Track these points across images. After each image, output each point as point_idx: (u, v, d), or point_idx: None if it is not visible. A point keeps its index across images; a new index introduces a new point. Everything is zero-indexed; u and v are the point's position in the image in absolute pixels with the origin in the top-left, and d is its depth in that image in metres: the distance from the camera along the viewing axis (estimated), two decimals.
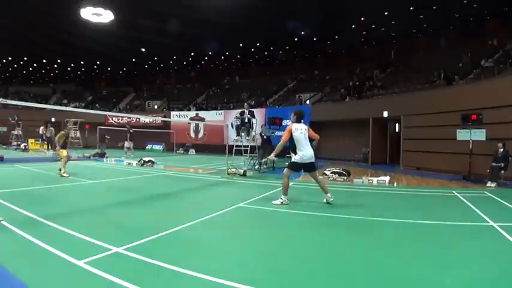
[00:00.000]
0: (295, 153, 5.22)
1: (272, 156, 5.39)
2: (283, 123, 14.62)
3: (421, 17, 17.07)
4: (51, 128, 16.98)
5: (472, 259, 3.08)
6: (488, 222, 4.39)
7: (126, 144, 16.00)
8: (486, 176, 8.64)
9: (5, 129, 20.90)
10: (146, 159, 12.25)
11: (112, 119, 24.22)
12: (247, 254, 3.13)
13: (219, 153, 17.88)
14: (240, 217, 4.69)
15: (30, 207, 4.46)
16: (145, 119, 21.58)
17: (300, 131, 5.24)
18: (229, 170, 9.57)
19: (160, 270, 2.57)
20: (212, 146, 20.98)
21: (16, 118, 20.48)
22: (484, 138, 9.36)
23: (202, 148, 21.71)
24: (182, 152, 21.42)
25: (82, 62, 26.93)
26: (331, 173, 9.15)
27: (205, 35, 19.91)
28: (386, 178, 8.53)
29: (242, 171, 9.53)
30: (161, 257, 2.78)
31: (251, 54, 24.85)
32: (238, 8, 15.61)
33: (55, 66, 27.49)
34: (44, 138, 18.40)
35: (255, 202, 5.64)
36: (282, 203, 5.17)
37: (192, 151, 21.27)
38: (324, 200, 5.38)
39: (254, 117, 11.95)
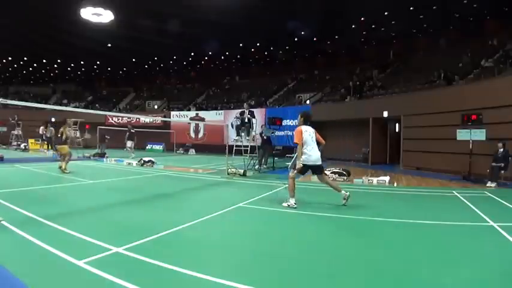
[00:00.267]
0: (302, 155, 5.15)
1: (300, 164, 5.12)
2: (283, 123, 14.66)
3: (421, 17, 17.08)
4: (51, 128, 16.97)
5: (472, 259, 3.08)
6: (488, 222, 4.39)
7: (128, 144, 16.00)
8: (486, 176, 8.64)
9: (5, 129, 20.90)
10: (146, 159, 12.25)
11: (112, 119, 24.22)
12: (247, 254, 3.12)
13: (219, 153, 17.89)
14: (240, 217, 4.69)
15: (30, 207, 4.46)
16: (145, 119, 21.58)
17: (307, 132, 5.21)
18: (229, 170, 9.57)
19: (160, 270, 2.57)
20: (212, 146, 20.98)
21: (16, 118, 20.49)
22: (484, 138, 9.36)
23: (202, 148, 21.71)
24: (182, 152, 21.43)
25: (82, 62, 26.93)
26: (331, 173, 9.14)
27: (205, 35, 19.91)
28: (386, 178, 8.53)
29: (242, 171, 9.53)
30: (161, 257, 2.78)
31: (251, 54, 24.86)
32: (238, 8, 15.61)
33: (55, 66, 27.49)
34: (44, 138, 18.39)
35: (255, 202, 5.63)
36: (289, 205, 5.04)
37: (192, 151, 21.27)
38: (343, 201, 5.24)
39: (254, 117, 11.96)
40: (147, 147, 23.28)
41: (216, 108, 23.73)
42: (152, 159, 12.39)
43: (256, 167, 11.00)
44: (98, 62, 27.05)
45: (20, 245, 3.09)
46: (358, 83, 19.25)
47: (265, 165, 11.58)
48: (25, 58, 24.94)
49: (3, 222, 3.64)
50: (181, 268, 2.58)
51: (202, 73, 29.80)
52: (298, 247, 3.37)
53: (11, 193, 5.72)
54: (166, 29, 18.26)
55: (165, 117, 23.44)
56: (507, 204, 5.80)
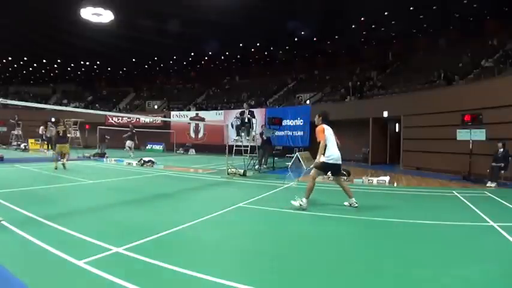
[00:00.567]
0: (323, 154, 4.99)
1: (319, 159, 4.96)
2: (283, 123, 14.65)
3: (421, 17, 17.08)
4: (51, 128, 16.97)
5: (472, 259, 3.08)
6: (488, 222, 4.39)
7: (128, 143, 15.99)
8: (486, 176, 8.64)
9: (5, 129, 20.89)
10: (146, 159, 12.25)
11: (112, 119, 24.21)
12: (247, 254, 3.12)
13: (219, 153, 17.88)
14: (240, 217, 4.69)
15: (30, 207, 4.46)
16: (145, 119, 21.57)
17: (329, 131, 5.11)
18: (229, 170, 9.57)
19: (160, 270, 2.57)
20: (212, 146, 20.97)
21: (16, 118, 20.49)
22: (484, 138, 9.35)
23: (202, 148, 21.71)
24: (182, 152, 21.42)
25: (82, 62, 26.93)
26: (331, 173, 9.13)
27: (205, 35, 19.91)
28: (386, 178, 8.53)
29: (242, 171, 9.53)
30: (161, 257, 2.78)
31: (251, 54, 24.86)
32: (238, 8, 15.62)
33: (55, 66, 27.50)
34: (44, 138, 18.40)
35: (255, 202, 5.63)
36: (300, 205, 4.84)
37: (192, 151, 21.27)
38: (346, 203, 5.25)
39: (254, 117, 11.96)
40: (147, 147, 23.28)
41: (216, 108, 23.73)
42: (152, 159, 12.39)
43: (256, 167, 11.00)
44: (98, 62, 27.05)
45: (20, 245, 3.09)
46: (358, 83, 19.25)
47: (265, 165, 11.58)
48: (25, 58, 24.94)
49: (3, 222, 3.64)
50: (181, 268, 2.58)
51: (202, 73, 29.80)
52: (298, 247, 3.37)
53: (11, 193, 5.72)
54: (166, 29, 18.25)
55: (165, 117, 23.43)
56: (507, 204, 5.80)
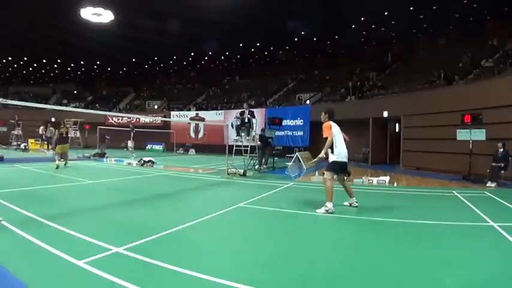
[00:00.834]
0: (332, 152, 4.88)
1: (322, 154, 4.86)
2: (283, 123, 14.65)
3: (421, 17, 17.08)
4: (51, 128, 16.98)
5: (472, 259, 3.08)
6: (488, 222, 4.39)
7: (129, 143, 15.99)
8: (486, 176, 8.64)
9: (5, 129, 20.90)
10: (146, 159, 12.25)
11: (112, 119, 24.22)
12: (248, 254, 3.12)
13: (219, 153, 17.88)
14: (240, 217, 4.69)
15: (30, 207, 4.46)
16: (145, 119, 21.58)
17: (336, 128, 5.00)
18: (229, 170, 9.57)
19: (160, 270, 2.57)
20: (212, 146, 20.98)
21: (16, 118, 20.49)
22: (484, 138, 9.35)
23: (202, 148, 21.71)
24: (182, 152, 21.42)
25: (82, 62, 26.93)
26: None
27: (205, 35, 19.91)
28: (386, 178, 8.53)
29: (242, 171, 9.53)
30: (161, 257, 2.79)
31: (251, 54, 24.86)
32: (238, 8, 15.62)
33: (55, 66, 27.50)
34: (44, 138, 18.40)
35: (255, 202, 5.63)
36: (326, 211, 4.61)
37: (192, 151, 21.27)
38: (346, 203, 5.23)
39: (254, 117, 11.96)
40: (147, 147, 23.28)
41: (216, 108, 23.73)
42: (152, 159, 12.39)
43: (256, 167, 11.00)
44: (98, 62, 27.06)
45: (20, 245, 3.09)
46: (358, 83, 19.26)
47: (266, 165, 11.59)
48: (25, 58, 24.95)
49: (3, 222, 3.64)
50: (181, 268, 2.58)
51: (202, 73, 29.80)
52: (298, 247, 3.37)
53: (11, 193, 5.72)
54: (166, 29, 18.26)
55: (165, 117, 23.44)
56: (507, 204, 5.80)
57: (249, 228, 4.20)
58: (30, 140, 19.71)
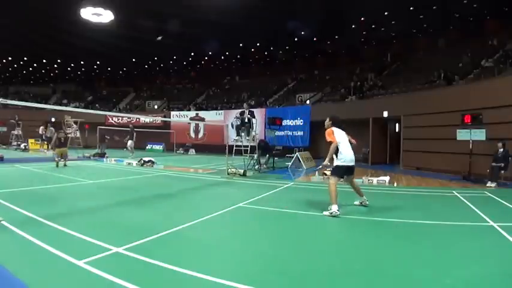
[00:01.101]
0: (336, 157, 4.92)
1: (327, 162, 4.90)
2: (283, 123, 14.65)
3: (421, 17, 17.07)
4: (51, 128, 16.99)
5: (472, 259, 3.08)
6: (488, 222, 4.39)
7: (129, 143, 15.98)
8: (486, 176, 8.63)
9: (5, 129, 20.90)
10: (146, 159, 12.25)
11: (112, 119, 24.22)
12: (247, 254, 3.13)
13: (219, 153, 17.88)
14: (240, 217, 4.69)
15: (30, 207, 4.46)
16: (145, 119, 21.57)
17: (339, 132, 5.06)
18: (229, 170, 9.57)
19: (160, 270, 2.57)
20: (212, 146, 20.97)
21: (16, 118, 20.49)
22: (484, 138, 9.35)
23: (202, 148, 21.71)
24: (182, 152, 21.42)
25: (82, 62, 26.92)
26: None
27: (205, 35, 19.90)
28: (386, 178, 8.53)
29: (242, 171, 9.53)
30: (161, 257, 2.79)
31: (251, 54, 24.85)
32: (238, 8, 15.60)
33: (55, 66, 27.49)
34: (44, 138, 18.41)
35: (255, 202, 5.63)
36: (330, 214, 4.59)
37: (192, 151, 21.26)
38: (356, 202, 5.34)
39: (254, 117, 11.96)
40: (147, 147, 23.28)
41: (216, 108, 23.73)
42: (152, 159, 12.39)
43: (256, 167, 11.00)
44: (98, 62, 27.04)
45: (20, 245, 3.09)
46: (358, 83, 19.26)
47: (266, 165, 11.59)
48: (25, 58, 24.93)
49: (3, 222, 3.64)
50: (181, 268, 2.58)
51: (202, 73, 29.80)
52: (298, 247, 3.37)
53: (11, 193, 5.72)
54: (166, 29, 18.24)
55: (165, 117, 23.43)
56: (507, 204, 5.80)
57: (249, 228, 4.20)
58: (30, 140, 19.70)
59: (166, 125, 23.34)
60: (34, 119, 21.63)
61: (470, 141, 9.69)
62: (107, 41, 20.81)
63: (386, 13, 16.47)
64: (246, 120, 11.76)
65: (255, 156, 11.14)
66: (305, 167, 12.37)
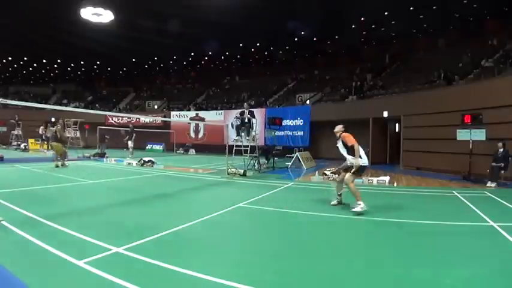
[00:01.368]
0: (360, 157, 5.12)
1: (358, 162, 4.99)
2: (283, 123, 14.65)
3: (421, 17, 17.07)
4: (52, 128, 16.97)
5: (472, 259, 3.08)
6: (488, 222, 4.39)
7: (129, 143, 15.95)
8: (486, 176, 8.63)
9: (5, 129, 20.90)
10: (146, 159, 12.25)
11: (112, 119, 24.21)
12: (247, 254, 3.13)
13: (219, 153, 17.88)
14: (240, 217, 4.69)
15: (30, 207, 4.46)
16: (145, 119, 21.57)
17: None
18: (229, 170, 9.57)
19: (160, 270, 2.57)
20: (212, 146, 20.98)
21: (16, 118, 20.49)
22: (484, 138, 9.35)
23: (202, 148, 21.71)
24: (182, 152, 21.42)
25: (82, 62, 26.93)
26: (331, 173, 9.14)
27: (205, 35, 19.90)
28: (386, 178, 8.53)
29: (242, 171, 9.53)
30: (161, 257, 2.79)
31: (251, 54, 24.85)
32: (238, 8, 15.61)
33: (55, 66, 27.49)
34: (44, 138, 18.40)
35: (255, 202, 5.63)
36: (362, 209, 4.78)
37: (192, 151, 21.27)
38: (334, 202, 5.41)
39: (254, 117, 11.93)
40: (147, 147, 23.27)
41: (216, 108, 23.72)
42: (152, 159, 12.39)
43: (256, 166, 11.00)
44: (98, 62, 27.04)
45: (20, 245, 3.09)
46: (358, 83, 19.27)
47: (266, 165, 11.59)
48: (25, 58, 24.93)
49: (3, 222, 3.64)
50: (181, 268, 2.58)
51: (202, 73, 29.80)
52: (298, 247, 3.37)
53: (11, 193, 5.72)
54: (166, 29, 18.23)
55: (165, 117, 23.43)
56: (507, 204, 5.80)
57: (249, 228, 4.20)
58: (30, 140, 19.70)
59: (166, 125, 23.34)
60: (34, 119, 21.62)
61: (470, 141, 9.69)
62: (107, 41, 20.81)
63: (386, 13, 16.47)
64: (246, 120, 11.74)
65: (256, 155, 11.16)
66: (305, 167, 12.37)
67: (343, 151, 5.27)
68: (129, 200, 5.64)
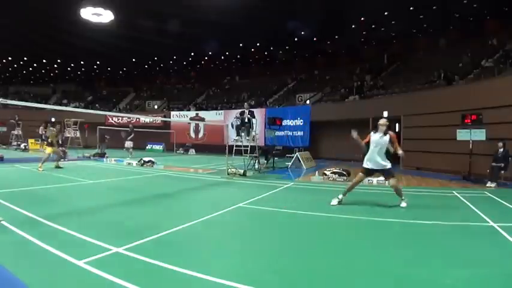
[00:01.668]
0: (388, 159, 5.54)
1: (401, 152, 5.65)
2: (283, 123, 14.65)
3: (421, 17, 17.07)
4: (52, 128, 16.96)
5: (472, 259, 3.08)
6: (488, 223, 4.39)
7: (127, 144, 15.94)
8: (486, 176, 8.63)
9: (5, 129, 20.90)
10: (146, 159, 12.25)
11: (112, 119, 24.21)
12: (247, 254, 3.13)
13: (219, 153, 17.88)
14: (240, 217, 4.69)
15: (30, 207, 4.46)
16: (145, 119, 21.57)
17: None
18: (229, 170, 9.57)
19: (160, 270, 2.57)
20: (212, 146, 20.97)
21: (16, 118, 20.49)
22: (484, 138, 9.35)
23: (202, 148, 21.71)
24: (182, 152, 21.42)
25: (82, 62, 26.93)
26: (331, 173, 9.15)
27: (205, 35, 19.90)
28: None
29: (242, 171, 9.53)
30: (161, 257, 2.79)
31: (251, 54, 24.85)
32: (238, 8, 15.61)
33: (55, 66, 27.50)
34: (44, 138, 18.36)
35: (255, 202, 5.63)
36: (406, 202, 5.40)
37: (192, 151, 21.27)
38: (334, 202, 5.48)
39: (254, 117, 11.93)
40: (147, 147, 23.27)
41: (216, 108, 23.73)
42: (152, 159, 12.39)
43: (256, 166, 11.00)
44: (98, 62, 27.05)
45: (20, 245, 3.09)
46: (358, 83, 19.27)
47: (265, 165, 11.59)
48: (25, 58, 24.94)
49: (3, 222, 3.64)
50: (181, 268, 2.58)
51: (202, 73, 29.80)
52: (298, 247, 3.37)
53: (11, 193, 5.72)
54: (166, 29, 18.24)
55: (165, 117, 23.44)
56: (507, 204, 5.80)
57: (249, 228, 4.20)
58: (30, 140, 19.70)
59: (166, 125, 23.35)
60: (34, 119, 21.62)
61: (470, 141, 9.69)
62: (107, 41, 20.82)
63: (386, 13, 16.47)
64: (246, 120, 11.73)
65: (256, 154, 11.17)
66: (305, 167, 12.37)
67: (378, 149, 5.41)
68: (129, 200, 5.64)
